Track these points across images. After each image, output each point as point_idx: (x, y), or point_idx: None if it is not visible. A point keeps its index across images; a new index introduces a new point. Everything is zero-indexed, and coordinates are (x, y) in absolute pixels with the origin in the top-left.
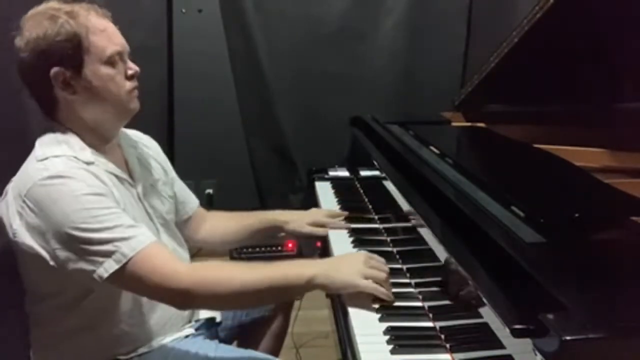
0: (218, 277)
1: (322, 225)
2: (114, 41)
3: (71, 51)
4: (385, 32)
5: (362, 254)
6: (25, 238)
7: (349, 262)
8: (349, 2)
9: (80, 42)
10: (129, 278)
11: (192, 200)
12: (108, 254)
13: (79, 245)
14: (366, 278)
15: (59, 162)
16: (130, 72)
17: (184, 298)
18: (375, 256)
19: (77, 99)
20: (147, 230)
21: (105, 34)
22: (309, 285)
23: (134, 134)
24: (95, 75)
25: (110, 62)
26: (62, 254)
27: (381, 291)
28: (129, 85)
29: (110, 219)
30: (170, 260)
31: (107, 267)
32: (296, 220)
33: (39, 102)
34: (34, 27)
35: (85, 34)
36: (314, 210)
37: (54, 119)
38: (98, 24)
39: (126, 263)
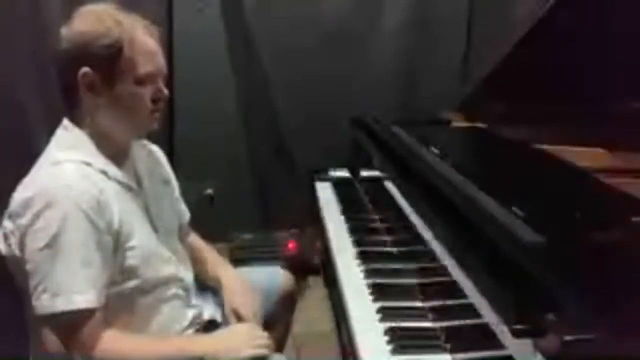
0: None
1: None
2: (153, 62)
3: (107, 58)
4: (386, 32)
5: (246, 326)
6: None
7: (234, 336)
8: (350, 2)
9: (119, 53)
10: (52, 326)
11: (184, 214)
12: (51, 295)
13: (44, 263)
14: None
15: (71, 171)
16: (157, 95)
17: None
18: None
19: (99, 105)
20: (96, 294)
21: (146, 53)
22: None
23: (143, 142)
24: (124, 89)
25: (141, 80)
26: (29, 266)
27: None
28: (152, 107)
29: (80, 256)
30: (90, 335)
31: (43, 307)
32: (228, 298)
33: (64, 97)
34: (82, 22)
35: (128, 46)
36: (245, 301)
37: (73, 118)
38: (143, 40)
39: (55, 314)
